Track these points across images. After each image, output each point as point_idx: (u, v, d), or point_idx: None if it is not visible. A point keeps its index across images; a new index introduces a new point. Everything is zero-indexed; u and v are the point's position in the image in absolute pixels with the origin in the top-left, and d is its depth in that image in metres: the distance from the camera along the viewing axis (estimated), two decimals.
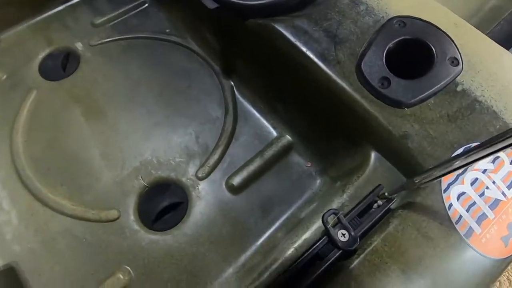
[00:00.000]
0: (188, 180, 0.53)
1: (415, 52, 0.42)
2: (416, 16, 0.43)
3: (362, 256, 0.34)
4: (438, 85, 0.40)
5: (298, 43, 0.45)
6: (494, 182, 0.36)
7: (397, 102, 0.40)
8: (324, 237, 0.34)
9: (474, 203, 0.35)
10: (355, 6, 0.46)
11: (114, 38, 0.66)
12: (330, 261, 0.33)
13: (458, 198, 0.35)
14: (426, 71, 0.41)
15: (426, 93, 0.40)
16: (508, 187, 0.36)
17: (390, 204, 0.35)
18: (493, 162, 0.37)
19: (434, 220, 0.34)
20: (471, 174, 0.37)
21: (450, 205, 0.35)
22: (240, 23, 0.49)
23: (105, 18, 0.68)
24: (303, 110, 0.52)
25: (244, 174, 0.52)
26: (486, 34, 0.52)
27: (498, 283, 0.86)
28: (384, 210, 0.35)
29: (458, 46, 0.42)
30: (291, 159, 0.55)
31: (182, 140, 0.56)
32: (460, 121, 0.39)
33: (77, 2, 0.70)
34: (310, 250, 0.33)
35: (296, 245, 0.39)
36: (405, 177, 0.40)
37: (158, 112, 0.58)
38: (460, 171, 0.37)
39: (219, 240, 0.49)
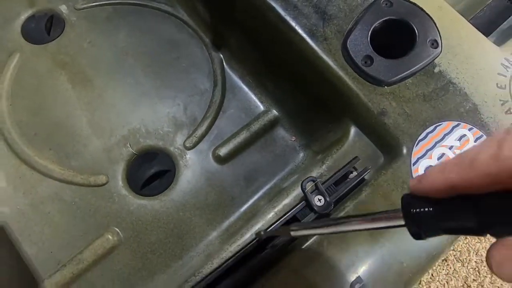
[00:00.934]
0: (176, 150, 0.54)
1: (398, 32, 0.43)
2: None
3: None
4: (417, 66, 0.42)
5: (287, 17, 0.45)
6: None
7: (378, 80, 0.42)
8: (302, 202, 0.37)
9: None
10: None
11: (101, 3, 0.64)
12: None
13: (425, 171, 0.39)
14: (407, 51, 0.43)
15: (406, 73, 0.42)
16: None
17: (364, 174, 0.39)
18: (459, 139, 0.40)
19: (402, 190, 0.38)
20: (439, 149, 0.40)
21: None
22: None
23: None
24: (290, 85, 0.54)
25: (230, 145, 0.54)
26: (469, 20, 0.54)
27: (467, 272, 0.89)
28: (358, 179, 0.38)
29: (439, 29, 0.44)
30: (277, 133, 0.57)
31: (170, 111, 0.57)
32: (434, 101, 0.42)
33: None
34: (289, 213, 0.36)
35: (276, 209, 0.42)
36: (380, 151, 0.43)
37: (146, 83, 0.58)
38: (430, 146, 0.40)
39: (204, 206, 0.51)
